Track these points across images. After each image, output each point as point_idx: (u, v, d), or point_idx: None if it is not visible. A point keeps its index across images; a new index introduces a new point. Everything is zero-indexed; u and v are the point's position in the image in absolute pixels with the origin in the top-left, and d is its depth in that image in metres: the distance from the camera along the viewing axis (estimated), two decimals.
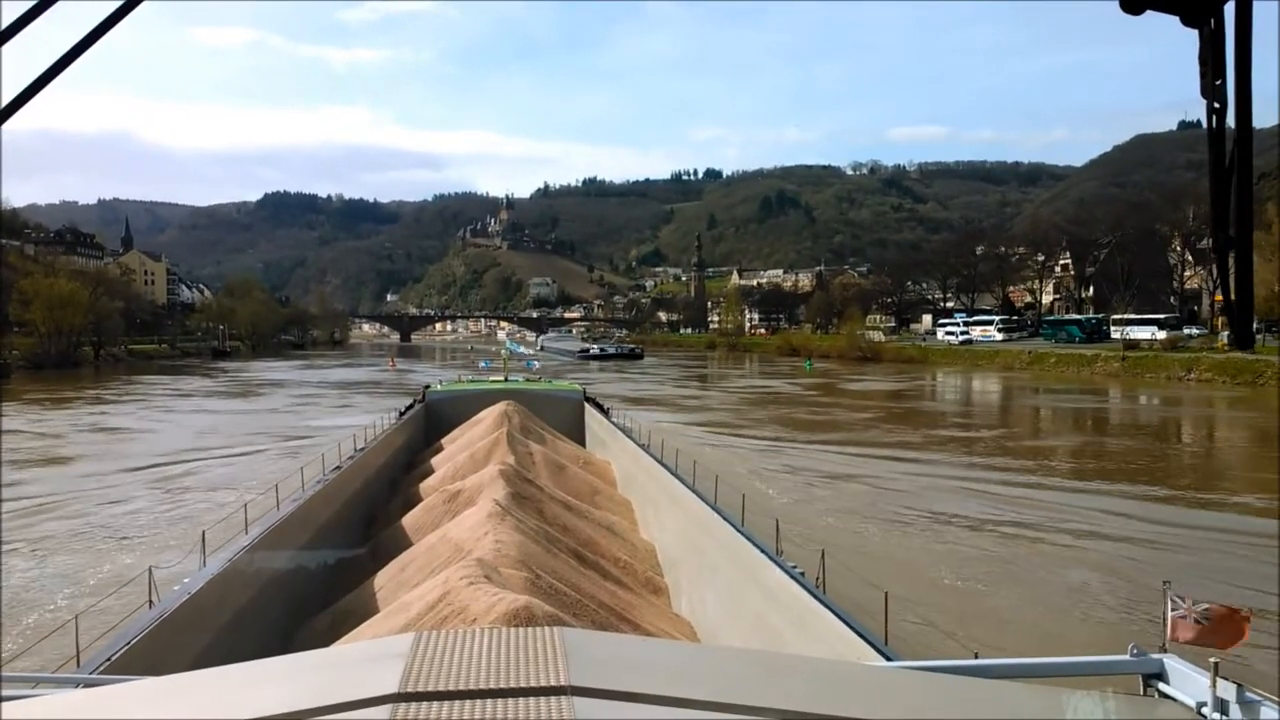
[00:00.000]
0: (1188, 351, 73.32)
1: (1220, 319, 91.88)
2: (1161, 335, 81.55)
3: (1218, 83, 2.06)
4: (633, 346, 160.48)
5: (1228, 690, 3.15)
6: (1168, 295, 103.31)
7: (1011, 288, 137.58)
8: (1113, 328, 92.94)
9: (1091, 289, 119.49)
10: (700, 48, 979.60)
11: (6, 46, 2.12)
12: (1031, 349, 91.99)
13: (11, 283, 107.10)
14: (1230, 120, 2.10)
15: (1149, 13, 2.12)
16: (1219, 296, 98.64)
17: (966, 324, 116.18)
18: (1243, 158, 2.09)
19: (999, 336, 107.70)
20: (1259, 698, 3.12)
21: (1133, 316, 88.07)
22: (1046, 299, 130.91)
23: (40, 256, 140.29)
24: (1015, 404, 61.97)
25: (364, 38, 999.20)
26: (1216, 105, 2.08)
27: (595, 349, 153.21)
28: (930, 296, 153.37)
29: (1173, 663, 3.59)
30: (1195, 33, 2.10)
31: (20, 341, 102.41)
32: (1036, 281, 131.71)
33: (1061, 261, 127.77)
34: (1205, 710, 3.22)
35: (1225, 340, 75.58)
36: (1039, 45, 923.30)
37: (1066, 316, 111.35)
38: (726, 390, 72.95)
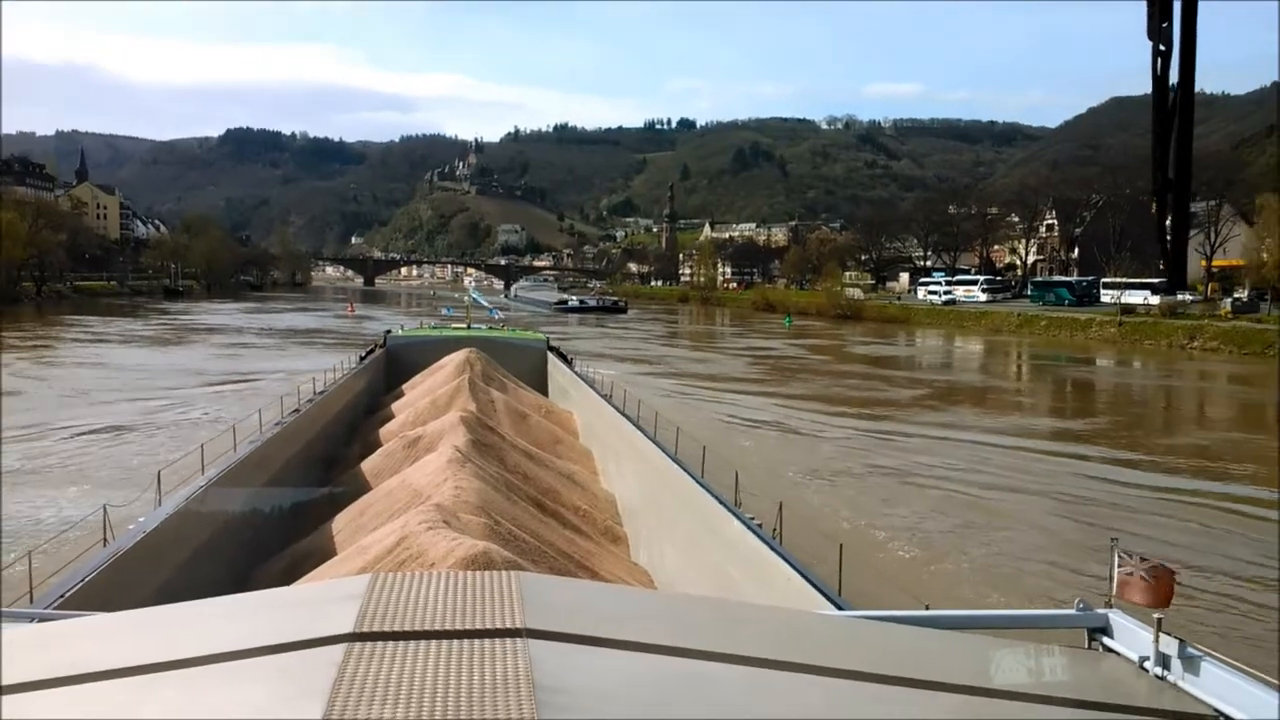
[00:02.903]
0: (1189, 318, 70.17)
1: (1215, 284, 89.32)
2: (1155, 300, 78.25)
3: (1164, 25, 2.09)
4: (615, 299, 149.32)
5: (1170, 645, 3.20)
6: (1157, 259, 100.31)
7: (997, 247, 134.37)
8: (1104, 291, 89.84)
9: (1077, 250, 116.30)
10: None
11: None
12: (1020, 311, 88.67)
13: None
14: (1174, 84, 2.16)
15: None
16: (1203, 262, 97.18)
17: (949, 284, 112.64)
18: (1185, 102, 2.13)
19: (983, 297, 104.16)
20: (1199, 653, 3.15)
21: (1125, 280, 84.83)
22: (1029, 260, 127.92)
23: None
24: (1068, 376, 55.85)
25: None
26: (1162, 47, 2.11)
27: (574, 300, 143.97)
28: (909, 255, 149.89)
29: (1117, 618, 3.60)
30: None
31: None
32: (1020, 242, 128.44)
33: (1047, 222, 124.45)
34: (1147, 665, 3.26)
35: (1229, 307, 72.55)
36: (1020, 3, 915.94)
37: (1055, 278, 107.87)
38: (727, 352, 67.13)
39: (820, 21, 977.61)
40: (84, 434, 28.32)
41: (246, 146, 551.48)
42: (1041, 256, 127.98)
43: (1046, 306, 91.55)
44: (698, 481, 13.11)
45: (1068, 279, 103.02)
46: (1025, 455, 28.27)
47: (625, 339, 78.77)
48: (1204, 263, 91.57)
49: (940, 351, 73.01)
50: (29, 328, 70.84)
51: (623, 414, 20.31)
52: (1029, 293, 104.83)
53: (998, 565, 17.35)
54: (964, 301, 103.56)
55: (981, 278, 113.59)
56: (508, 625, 2.49)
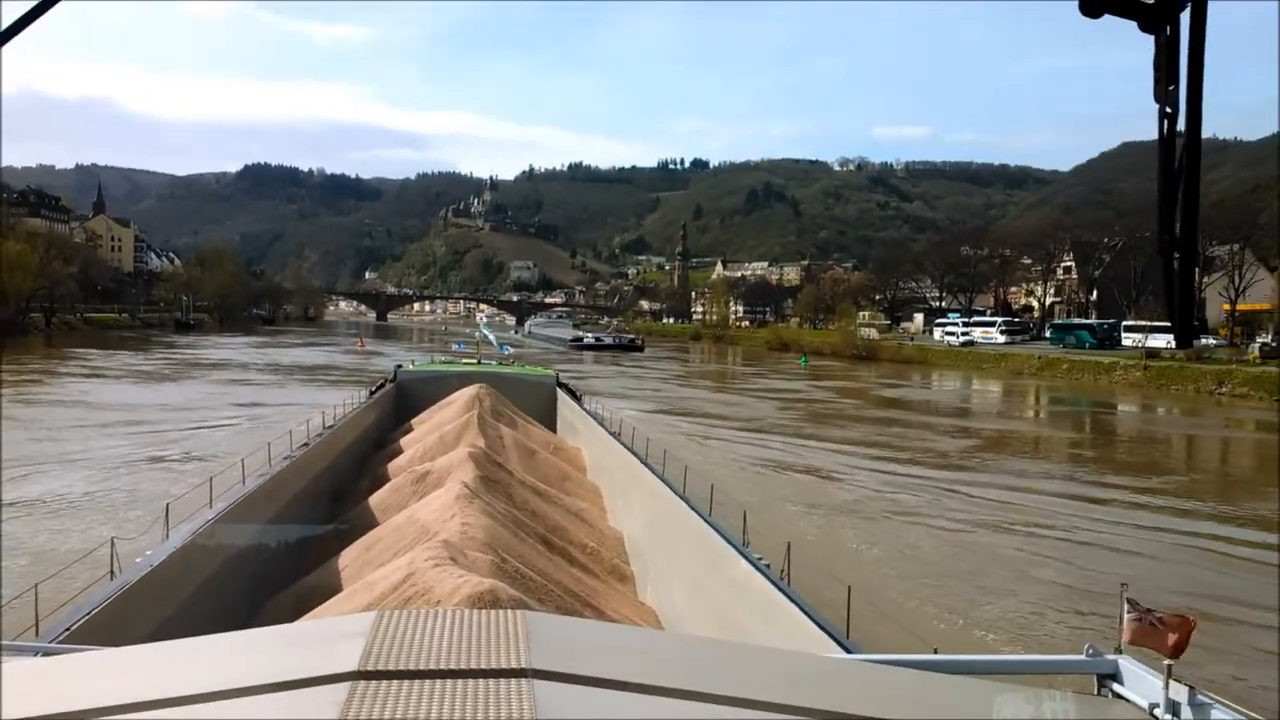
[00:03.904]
0: (1215, 363, 68.43)
1: (1238, 329, 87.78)
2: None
3: (1170, 88, 2.14)
4: (632, 337, 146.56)
5: (1180, 692, 3.18)
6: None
7: (1014, 288, 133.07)
8: (1125, 334, 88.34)
9: (1095, 293, 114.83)
10: (688, 41, 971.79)
11: None
12: (1041, 354, 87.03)
13: None
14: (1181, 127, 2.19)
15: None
16: (1225, 306, 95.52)
17: (967, 325, 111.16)
18: (1191, 163, 2.19)
19: (1002, 339, 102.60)
20: (1210, 700, 3.14)
21: (1148, 323, 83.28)
22: (1046, 302, 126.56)
23: (4, 218, 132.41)
24: (1115, 424, 53.34)
25: (349, 14, 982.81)
26: (1168, 110, 2.16)
27: (590, 338, 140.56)
28: (924, 295, 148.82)
29: (1127, 664, 3.59)
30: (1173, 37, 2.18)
31: None
32: (1037, 284, 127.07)
33: (1064, 264, 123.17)
34: (1158, 711, 3.23)
35: (1257, 352, 70.86)
36: (1027, 49, 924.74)
37: (1075, 321, 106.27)
38: (752, 394, 63.94)
39: (828, 64, 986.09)
40: (22, 478, 25.43)
41: (264, 182, 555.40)
42: (1059, 298, 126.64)
43: (1067, 349, 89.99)
44: (706, 520, 12.91)
45: (1089, 321, 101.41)
46: (1116, 513, 25.69)
47: (644, 378, 76.49)
48: (1226, 306, 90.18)
49: (971, 396, 70.73)
50: (25, 360, 68.83)
51: (631, 450, 20.07)
52: (1048, 335, 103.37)
53: None
54: (982, 343, 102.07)
55: (1000, 319, 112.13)
56: (513, 665, 2.48)
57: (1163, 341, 76.57)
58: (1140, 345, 77.07)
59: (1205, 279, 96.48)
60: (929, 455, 36.39)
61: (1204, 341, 79.82)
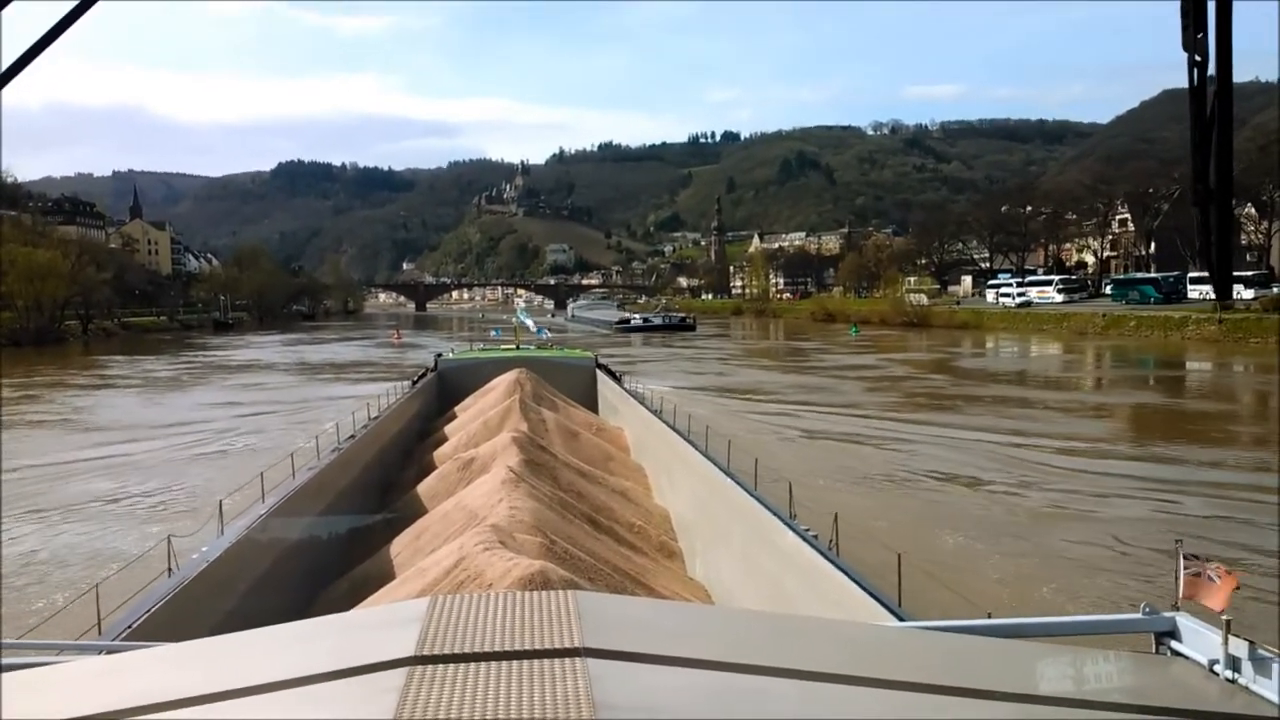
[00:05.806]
0: None
1: None
2: (1249, 294, 72.53)
3: (1199, 36, 2.14)
4: (683, 315, 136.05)
5: (1239, 647, 3.11)
6: (1238, 252, 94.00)
7: (1066, 245, 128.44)
8: (1190, 287, 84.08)
9: (1154, 245, 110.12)
10: (705, 8, 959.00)
11: (6, 11, 2.25)
12: (1104, 311, 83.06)
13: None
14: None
15: None
16: None
17: (1023, 285, 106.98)
18: (1223, 111, 2.19)
19: (1059, 298, 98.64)
20: (1271, 654, 3.05)
21: None
22: (1103, 257, 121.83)
23: (39, 227, 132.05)
24: (1251, 389, 47.11)
25: (369, 6, 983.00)
26: (1198, 58, 2.16)
27: (637, 319, 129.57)
28: (971, 257, 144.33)
29: (1185, 620, 3.51)
30: None
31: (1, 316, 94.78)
32: (1093, 239, 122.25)
33: (1119, 216, 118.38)
34: (1217, 668, 3.19)
35: None
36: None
37: (1137, 275, 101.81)
38: (827, 373, 57.73)
39: (849, 25, 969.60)
40: None
41: (298, 179, 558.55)
42: (1115, 253, 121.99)
43: (1131, 305, 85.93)
44: (751, 494, 12.94)
45: (1152, 275, 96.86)
46: None
47: (702, 359, 71.85)
48: None
49: (1058, 363, 65.45)
50: (39, 370, 65.50)
51: (673, 429, 20.13)
52: (1108, 291, 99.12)
53: None
54: (1040, 303, 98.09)
55: (1056, 277, 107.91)
56: (566, 645, 2.49)
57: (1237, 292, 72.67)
58: (1209, 297, 72.92)
59: (1272, 226, 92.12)
60: (1082, 442, 30.34)
61: (1274, 290, 75.59)
